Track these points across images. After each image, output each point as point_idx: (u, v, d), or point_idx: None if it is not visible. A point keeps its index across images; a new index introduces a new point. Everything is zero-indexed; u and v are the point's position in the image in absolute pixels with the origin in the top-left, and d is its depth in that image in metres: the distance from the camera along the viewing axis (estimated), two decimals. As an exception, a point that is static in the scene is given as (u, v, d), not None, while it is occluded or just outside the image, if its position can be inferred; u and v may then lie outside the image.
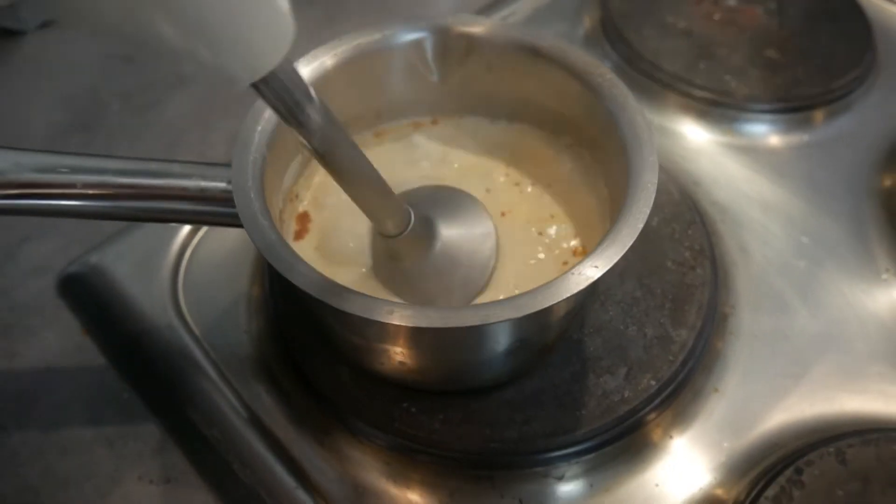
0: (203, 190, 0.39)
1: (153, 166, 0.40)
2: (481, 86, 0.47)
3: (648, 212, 0.36)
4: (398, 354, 0.39)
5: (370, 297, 0.33)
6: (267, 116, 0.40)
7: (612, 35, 0.67)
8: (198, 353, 0.49)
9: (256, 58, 0.25)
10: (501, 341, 0.38)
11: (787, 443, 0.44)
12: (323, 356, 0.46)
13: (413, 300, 0.41)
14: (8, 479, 0.45)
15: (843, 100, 0.62)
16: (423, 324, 0.32)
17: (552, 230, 0.44)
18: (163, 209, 0.40)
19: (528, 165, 0.47)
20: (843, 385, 0.47)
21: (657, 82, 0.63)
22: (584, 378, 0.45)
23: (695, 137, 0.61)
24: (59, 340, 0.51)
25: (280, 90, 0.27)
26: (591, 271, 0.34)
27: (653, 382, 0.45)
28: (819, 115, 0.62)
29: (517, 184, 0.47)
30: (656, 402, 0.45)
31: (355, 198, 0.36)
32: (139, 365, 0.49)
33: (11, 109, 0.66)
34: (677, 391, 0.46)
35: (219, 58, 0.24)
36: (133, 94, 0.67)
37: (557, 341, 0.43)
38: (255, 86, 0.26)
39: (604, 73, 0.42)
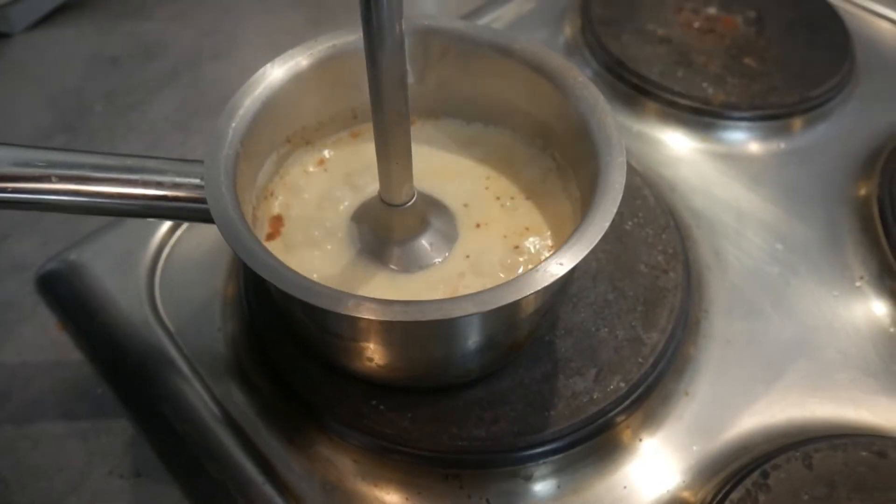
0: (177, 185, 0.40)
1: (128, 162, 0.40)
2: (457, 87, 0.47)
3: (615, 210, 0.36)
4: (364, 349, 0.39)
5: (334, 289, 0.34)
6: (242, 113, 0.41)
7: (592, 42, 0.67)
8: (172, 350, 0.49)
9: None
10: (467, 337, 0.39)
11: (756, 447, 0.45)
12: (294, 354, 0.46)
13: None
14: (-21, 472, 0.45)
15: (821, 108, 0.63)
16: (386, 317, 0.33)
17: (529, 243, 0.45)
18: (137, 204, 0.40)
19: (504, 168, 0.48)
20: (813, 391, 0.47)
21: (636, 89, 0.64)
22: (554, 379, 0.45)
23: (673, 144, 0.61)
24: (36, 336, 0.51)
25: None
26: (556, 268, 0.34)
27: (622, 384, 0.45)
28: (797, 123, 0.62)
29: (489, 190, 0.47)
30: (625, 403, 0.45)
31: (387, 155, 0.37)
32: (114, 361, 0.49)
33: None
34: (647, 393, 0.46)
35: None
36: (117, 96, 0.68)
37: (527, 340, 0.43)
38: None
39: (575, 75, 0.42)
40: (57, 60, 0.72)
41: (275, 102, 0.42)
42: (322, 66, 0.44)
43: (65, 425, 0.47)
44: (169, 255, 0.54)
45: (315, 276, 0.41)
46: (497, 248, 0.43)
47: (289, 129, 0.45)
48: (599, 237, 0.35)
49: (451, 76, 0.47)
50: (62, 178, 0.39)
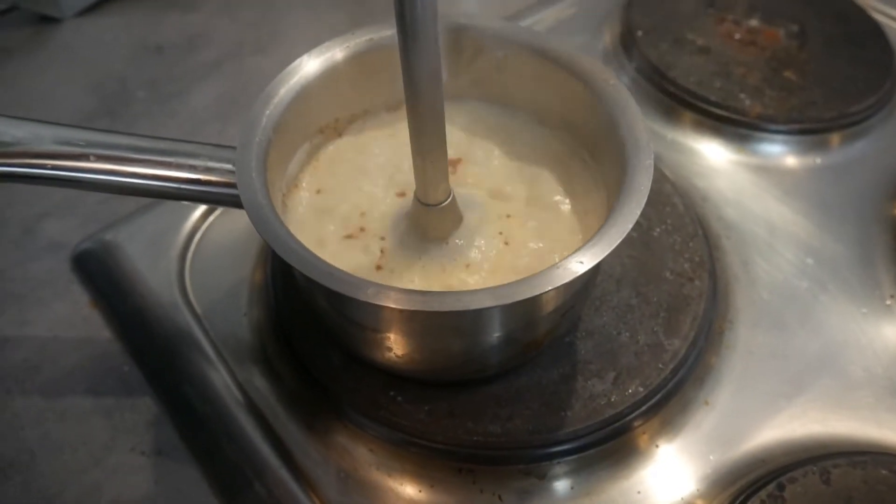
0: (209, 169, 0.41)
1: (163, 145, 0.41)
2: (490, 86, 0.48)
3: (639, 212, 0.36)
4: (384, 339, 0.40)
5: (356, 277, 0.34)
6: (276, 101, 0.41)
7: (631, 49, 0.67)
8: (198, 332, 0.50)
9: None
10: (486, 332, 0.39)
11: (774, 459, 0.44)
12: (317, 342, 0.47)
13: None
14: (8, 441, 0.47)
15: (860, 125, 0.62)
16: (405, 306, 0.33)
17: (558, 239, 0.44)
18: (170, 187, 0.41)
19: (536, 162, 0.47)
20: (836, 408, 0.47)
21: (672, 98, 0.63)
22: (572, 380, 0.45)
23: (707, 154, 0.61)
24: (68, 312, 0.53)
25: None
26: (576, 266, 0.34)
27: (641, 389, 0.45)
28: (835, 138, 0.61)
29: (520, 184, 0.47)
30: (643, 408, 0.45)
31: (422, 153, 0.37)
32: (141, 340, 0.50)
33: (44, 92, 0.68)
34: (666, 400, 0.46)
35: None
36: (159, 84, 0.69)
37: (546, 339, 0.43)
38: None
39: (607, 77, 0.42)
40: (103, 47, 0.74)
41: (309, 93, 0.43)
42: (358, 60, 0.45)
43: (91, 401, 0.48)
44: (200, 239, 0.55)
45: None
46: (528, 242, 0.43)
47: (322, 119, 0.46)
48: (621, 238, 0.35)
49: (484, 75, 0.47)
50: (100, 158, 0.40)
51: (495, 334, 0.39)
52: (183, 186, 0.41)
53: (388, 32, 0.45)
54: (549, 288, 0.33)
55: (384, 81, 0.47)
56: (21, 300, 0.53)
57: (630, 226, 0.35)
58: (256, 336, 0.50)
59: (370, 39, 0.45)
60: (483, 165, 0.47)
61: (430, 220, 0.41)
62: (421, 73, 0.34)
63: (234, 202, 0.39)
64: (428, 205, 0.40)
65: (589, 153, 0.45)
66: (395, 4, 0.31)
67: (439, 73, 0.34)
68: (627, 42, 0.68)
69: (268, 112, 0.41)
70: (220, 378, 0.48)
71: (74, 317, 0.52)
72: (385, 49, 0.45)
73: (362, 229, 0.44)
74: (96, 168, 0.40)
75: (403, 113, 0.37)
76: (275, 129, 0.41)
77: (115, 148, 0.41)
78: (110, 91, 0.69)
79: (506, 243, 0.43)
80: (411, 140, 0.37)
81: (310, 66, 0.43)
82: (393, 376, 0.45)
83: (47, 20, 0.77)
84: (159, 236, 0.55)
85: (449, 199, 0.40)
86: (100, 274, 0.54)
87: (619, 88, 0.42)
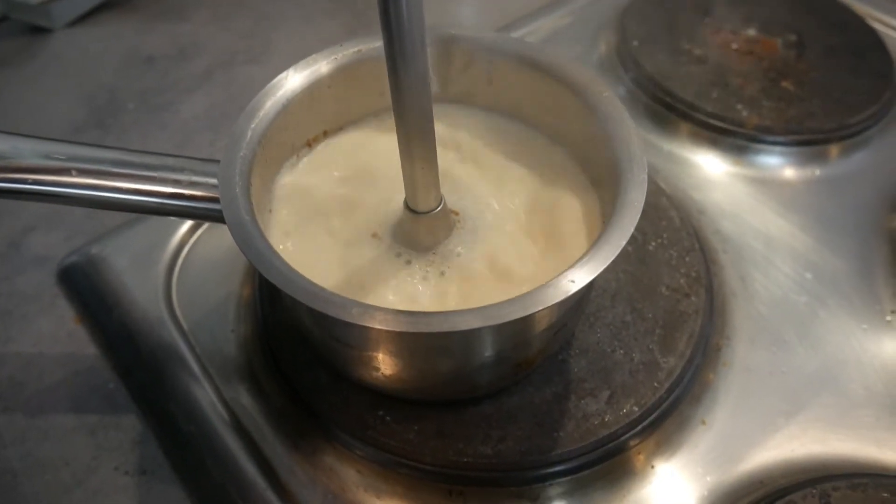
0: (193, 184, 0.40)
1: (148, 159, 0.41)
2: (481, 97, 0.47)
3: (633, 229, 0.35)
4: (371, 359, 0.39)
5: (341, 296, 0.33)
6: (261, 115, 0.41)
7: (627, 59, 0.66)
8: (184, 349, 0.49)
9: None
10: (475, 352, 0.38)
11: (773, 481, 0.43)
12: (304, 360, 0.46)
13: None
14: (-12, 461, 0.46)
15: (859, 136, 0.61)
16: (392, 327, 0.32)
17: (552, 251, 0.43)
18: (153, 201, 0.40)
19: (529, 170, 0.47)
20: (836, 427, 0.46)
21: (669, 108, 0.63)
22: (566, 399, 0.44)
23: (704, 166, 0.60)
24: (53, 328, 0.52)
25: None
26: (567, 285, 0.33)
27: (636, 408, 0.44)
28: (833, 150, 0.60)
29: (514, 194, 0.46)
30: (638, 428, 0.44)
31: (411, 159, 0.36)
32: (127, 356, 0.49)
33: (35, 103, 0.68)
34: (662, 419, 0.45)
35: None
36: (150, 95, 0.69)
37: (538, 358, 0.42)
38: None
39: (601, 89, 0.41)
40: (94, 57, 0.73)
41: (296, 105, 0.42)
42: (346, 71, 0.44)
43: (75, 418, 0.47)
44: (188, 254, 0.54)
45: (333, 277, 0.41)
46: (523, 252, 0.42)
47: (310, 132, 0.45)
48: (614, 256, 0.34)
49: (475, 86, 0.46)
50: (82, 172, 0.39)
51: (485, 354, 0.38)
52: (166, 201, 0.40)
53: (375, 44, 0.44)
54: (540, 307, 0.32)
55: (373, 93, 0.46)
56: (5, 316, 0.52)
57: (624, 242, 0.34)
58: (243, 353, 0.49)
59: (358, 51, 0.44)
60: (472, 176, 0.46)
61: (419, 228, 0.40)
62: (408, 77, 0.33)
63: (219, 218, 0.38)
64: (418, 212, 0.39)
65: (583, 165, 0.44)
66: (380, 11, 0.31)
67: (427, 77, 0.34)
68: (623, 52, 0.67)
69: (253, 126, 0.40)
70: (206, 396, 0.47)
71: (59, 332, 0.51)
72: (372, 60, 0.44)
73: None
74: (78, 182, 0.39)
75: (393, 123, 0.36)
76: (260, 142, 0.40)
77: (97, 162, 0.40)
78: (100, 102, 0.68)
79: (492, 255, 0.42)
80: (400, 146, 0.36)
81: (296, 78, 0.42)
82: (381, 395, 0.44)
83: (38, 31, 0.76)
84: (146, 250, 0.54)
85: (440, 206, 0.39)
86: (86, 288, 0.53)
87: (613, 100, 0.41)
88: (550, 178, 0.45)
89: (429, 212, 0.39)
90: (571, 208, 0.43)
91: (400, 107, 0.34)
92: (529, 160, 0.46)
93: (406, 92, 0.33)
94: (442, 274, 0.40)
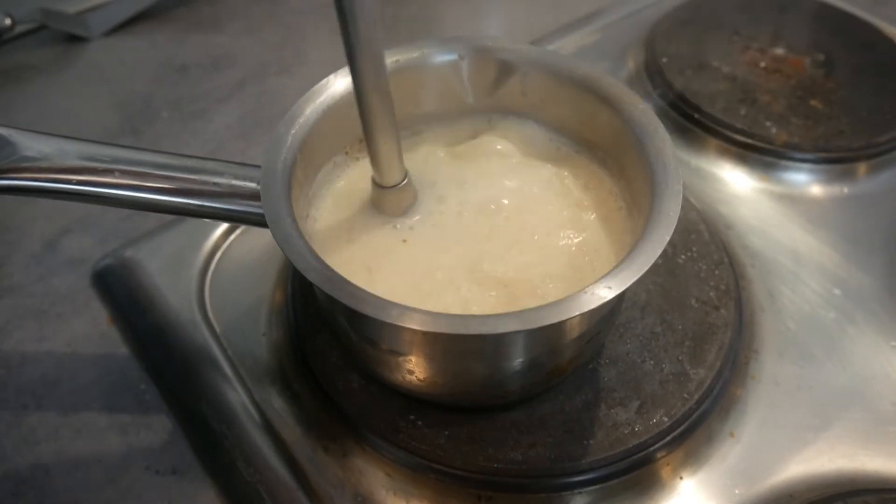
0: (233, 187, 0.41)
1: (188, 162, 0.41)
2: (515, 109, 0.48)
3: (668, 239, 0.35)
4: (406, 361, 0.39)
5: (381, 298, 0.34)
6: (302, 121, 0.41)
7: (655, 76, 0.67)
8: (216, 351, 0.49)
9: None
10: (510, 356, 0.38)
11: (801, 494, 0.43)
12: (336, 364, 0.46)
13: None
14: (23, 456, 0.46)
15: (888, 155, 0.61)
16: (429, 328, 0.33)
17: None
18: (194, 203, 0.41)
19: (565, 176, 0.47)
20: (865, 443, 0.46)
21: (697, 125, 0.63)
22: (595, 408, 0.44)
23: (732, 182, 0.60)
24: (87, 329, 0.52)
25: None
26: (604, 291, 0.33)
27: (665, 419, 0.44)
28: (861, 168, 0.61)
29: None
30: (667, 439, 0.44)
31: (373, 135, 0.38)
32: (159, 357, 0.50)
33: (70, 110, 0.69)
34: (690, 431, 0.45)
35: None
36: (183, 103, 0.70)
37: (570, 367, 0.43)
38: None
39: (635, 101, 0.42)
40: (129, 66, 0.74)
41: (335, 112, 0.43)
42: None
43: (107, 418, 0.48)
44: (221, 258, 0.55)
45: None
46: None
47: (347, 139, 0.46)
48: (651, 262, 0.34)
49: (509, 99, 0.47)
50: (125, 174, 0.40)
51: (520, 359, 0.38)
52: (207, 204, 0.41)
53: (414, 54, 0.45)
54: (577, 313, 0.33)
55: (409, 102, 0.46)
56: (40, 315, 0.53)
57: (660, 251, 0.35)
58: (275, 356, 0.49)
59: (396, 61, 0.45)
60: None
61: (386, 201, 0.42)
62: (364, 60, 0.34)
63: (258, 221, 0.39)
64: (384, 187, 0.41)
65: (617, 177, 0.45)
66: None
67: (382, 59, 0.35)
68: (652, 69, 0.68)
69: (293, 131, 0.41)
70: (238, 397, 0.47)
71: (93, 333, 0.52)
72: (410, 70, 0.45)
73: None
74: (121, 184, 0.40)
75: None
76: (300, 148, 0.41)
77: (139, 164, 0.41)
78: (135, 109, 0.69)
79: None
80: (362, 124, 0.37)
81: (337, 85, 0.43)
82: (412, 400, 0.44)
83: (75, 39, 0.78)
84: (180, 254, 0.55)
85: (405, 181, 0.41)
86: (119, 291, 0.54)
87: (648, 112, 0.41)
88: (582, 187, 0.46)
89: (394, 186, 0.41)
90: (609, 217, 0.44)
91: (359, 87, 0.35)
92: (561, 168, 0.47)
93: (363, 74, 0.35)
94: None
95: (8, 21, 0.75)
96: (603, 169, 0.46)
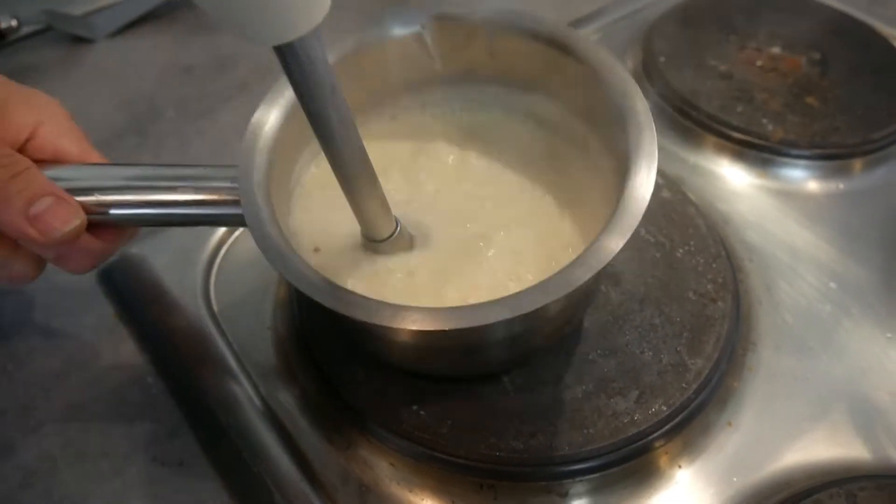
0: (214, 191, 0.40)
1: (165, 171, 0.41)
2: (485, 72, 0.47)
3: (653, 178, 0.36)
4: (403, 346, 0.40)
5: (371, 299, 0.34)
6: (271, 122, 0.41)
7: (654, 74, 0.68)
8: (222, 345, 0.50)
9: (287, 21, 0.26)
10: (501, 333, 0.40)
11: (798, 482, 0.44)
12: (340, 357, 0.47)
13: None
14: (31, 449, 0.47)
15: (883, 151, 0.62)
16: (425, 327, 0.33)
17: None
18: (178, 213, 0.41)
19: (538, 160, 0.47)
20: (861, 432, 0.46)
21: (695, 122, 0.64)
22: (595, 397, 0.45)
23: (730, 178, 0.61)
24: (94, 323, 0.53)
25: (304, 62, 0.28)
26: (614, 243, 0.34)
27: (664, 408, 0.44)
28: (857, 164, 0.61)
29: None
30: (666, 427, 0.45)
31: (352, 195, 0.37)
32: (165, 352, 0.51)
33: (76, 110, 0.69)
34: (689, 420, 0.46)
35: (249, 11, 0.25)
36: (188, 103, 0.70)
37: (566, 328, 0.44)
38: (278, 50, 0.27)
39: (603, 57, 0.41)
40: (134, 67, 0.75)
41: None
42: (343, 63, 0.44)
43: (114, 411, 0.48)
44: (226, 254, 0.56)
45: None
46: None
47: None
48: (645, 206, 0.35)
49: (477, 62, 0.47)
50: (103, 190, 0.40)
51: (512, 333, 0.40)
52: (189, 211, 0.41)
53: (374, 29, 0.45)
54: (591, 273, 0.33)
55: (375, 80, 0.46)
56: (48, 310, 0.54)
57: (649, 193, 0.35)
58: (280, 350, 0.50)
59: (358, 40, 0.44)
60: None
61: (377, 251, 0.42)
62: (332, 124, 0.32)
63: (241, 222, 0.38)
64: (377, 241, 0.40)
65: (592, 133, 0.45)
66: (286, 73, 0.29)
67: (349, 117, 0.32)
68: (650, 68, 0.69)
69: (263, 134, 0.40)
70: (243, 390, 0.48)
71: (100, 328, 0.52)
72: (369, 47, 0.45)
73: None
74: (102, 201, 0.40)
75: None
76: (273, 148, 0.40)
77: (114, 179, 0.40)
78: (140, 109, 0.70)
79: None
80: (341, 187, 0.36)
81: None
82: (416, 390, 0.45)
83: (80, 41, 0.79)
84: (185, 251, 0.56)
85: (396, 232, 0.40)
86: (126, 287, 0.55)
87: (615, 68, 0.41)
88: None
89: (384, 240, 0.40)
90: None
91: (331, 151, 0.34)
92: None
93: (336, 140, 0.33)
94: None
95: (14, 22, 0.76)
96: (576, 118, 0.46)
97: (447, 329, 0.33)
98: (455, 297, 0.40)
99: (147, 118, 0.69)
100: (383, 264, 0.42)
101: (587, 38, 0.43)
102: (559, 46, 0.43)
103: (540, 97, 0.47)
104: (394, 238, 0.40)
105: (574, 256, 0.34)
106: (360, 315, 0.34)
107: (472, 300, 0.35)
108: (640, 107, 0.39)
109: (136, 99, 0.71)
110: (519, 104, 0.48)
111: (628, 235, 0.34)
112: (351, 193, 0.36)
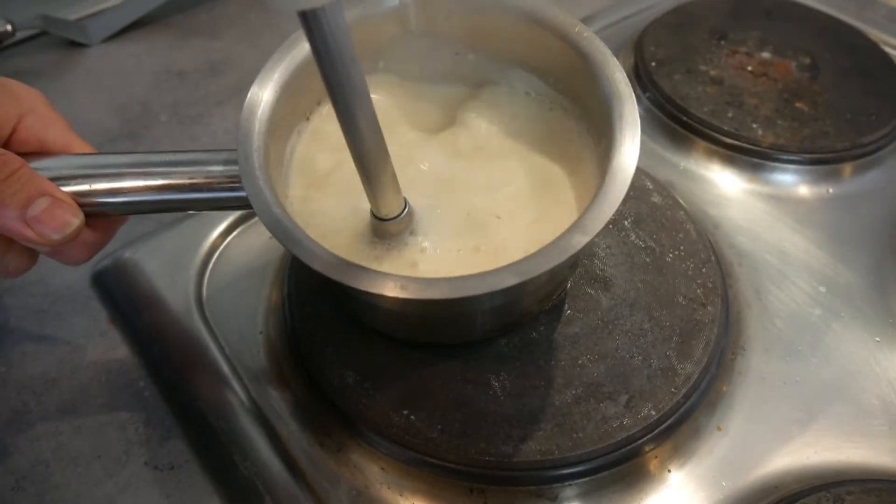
0: (211, 175, 0.40)
1: (164, 157, 0.41)
2: (469, 48, 0.48)
3: (638, 144, 0.37)
4: (406, 316, 0.43)
5: (372, 270, 0.35)
6: (262, 107, 0.41)
7: (644, 79, 0.68)
8: (214, 349, 0.50)
9: None
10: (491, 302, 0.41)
11: (787, 486, 0.44)
12: (331, 361, 0.47)
13: None
14: (23, 453, 0.47)
15: (872, 156, 0.62)
16: (430, 296, 0.34)
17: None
18: (178, 198, 0.41)
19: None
20: (849, 436, 0.47)
21: (685, 127, 0.64)
22: (585, 402, 0.45)
23: (720, 183, 0.62)
24: (86, 328, 0.53)
25: (327, 30, 0.28)
26: (606, 210, 0.35)
27: (653, 412, 0.45)
28: (847, 168, 0.62)
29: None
30: (655, 432, 0.45)
31: (366, 169, 0.36)
32: (158, 356, 0.51)
33: (70, 114, 0.69)
34: (678, 424, 0.46)
35: None
36: (181, 108, 0.71)
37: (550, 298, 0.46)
38: (303, 16, 0.27)
39: (581, 30, 0.42)
40: (128, 72, 0.76)
41: (290, 89, 0.42)
42: None
43: (106, 415, 0.48)
44: (218, 259, 0.56)
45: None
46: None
47: (307, 107, 0.46)
48: (632, 169, 0.36)
49: (459, 39, 0.47)
50: (103, 178, 0.40)
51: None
52: (185, 196, 0.40)
53: (356, 9, 0.44)
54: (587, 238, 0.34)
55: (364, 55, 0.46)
56: (40, 315, 0.54)
57: (635, 159, 0.36)
58: (271, 354, 0.50)
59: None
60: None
61: (385, 230, 0.41)
62: (351, 95, 0.32)
63: (242, 205, 0.39)
64: (384, 220, 0.40)
65: (577, 108, 0.46)
66: (311, 49, 0.29)
67: (366, 89, 0.32)
68: (641, 73, 0.69)
69: (258, 117, 0.40)
70: (235, 394, 0.48)
71: (93, 332, 0.53)
72: (358, 23, 0.45)
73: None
74: (97, 190, 0.40)
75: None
76: (267, 131, 0.40)
77: (114, 167, 0.40)
78: (133, 114, 0.70)
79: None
80: (355, 164, 0.36)
81: (286, 61, 0.43)
82: (406, 395, 0.45)
83: (75, 45, 0.79)
84: (178, 255, 0.56)
85: (405, 212, 0.40)
86: (118, 291, 0.55)
87: (593, 39, 0.42)
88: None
89: (393, 218, 0.40)
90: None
91: (348, 127, 0.34)
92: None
93: (353, 110, 0.33)
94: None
95: (8, 27, 0.76)
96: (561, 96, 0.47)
97: (472, 295, 0.34)
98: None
99: (140, 122, 0.69)
100: (384, 249, 0.42)
101: (565, 14, 0.43)
102: (537, 22, 0.44)
103: (524, 72, 0.48)
104: (402, 216, 0.40)
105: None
106: (373, 288, 0.34)
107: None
108: (619, 76, 0.40)
109: (129, 103, 0.71)
110: (509, 79, 0.49)
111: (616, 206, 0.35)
112: (364, 167, 0.36)
